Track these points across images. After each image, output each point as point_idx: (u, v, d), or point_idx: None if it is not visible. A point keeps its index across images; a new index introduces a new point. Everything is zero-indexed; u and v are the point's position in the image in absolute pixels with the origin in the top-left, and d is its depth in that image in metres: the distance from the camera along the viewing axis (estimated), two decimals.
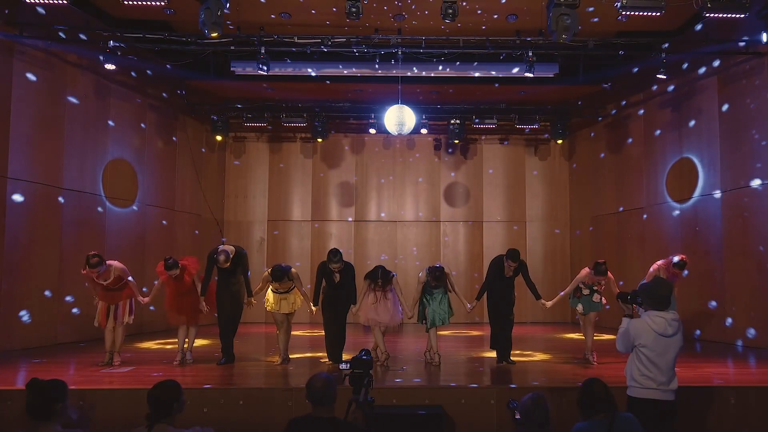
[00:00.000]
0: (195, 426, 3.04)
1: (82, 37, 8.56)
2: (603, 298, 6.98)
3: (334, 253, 6.57)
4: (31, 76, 8.04)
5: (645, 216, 10.42)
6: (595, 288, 6.93)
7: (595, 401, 3.18)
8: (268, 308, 6.83)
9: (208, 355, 7.52)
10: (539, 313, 12.49)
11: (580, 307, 6.94)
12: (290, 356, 7.12)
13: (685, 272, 7.25)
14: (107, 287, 6.53)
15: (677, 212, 9.64)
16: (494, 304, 7.06)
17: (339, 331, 6.84)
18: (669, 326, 3.72)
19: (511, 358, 7.00)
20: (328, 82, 10.75)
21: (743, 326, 8.25)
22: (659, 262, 7.28)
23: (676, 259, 7.11)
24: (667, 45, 8.65)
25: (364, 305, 6.84)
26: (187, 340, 6.93)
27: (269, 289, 6.84)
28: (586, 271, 6.92)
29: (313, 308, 6.80)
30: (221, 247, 6.83)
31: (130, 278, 6.67)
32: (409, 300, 7.13)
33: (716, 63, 8.91)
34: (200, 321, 6.98)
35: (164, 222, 10.70)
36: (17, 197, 7.76)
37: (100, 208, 9.23)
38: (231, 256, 6.68)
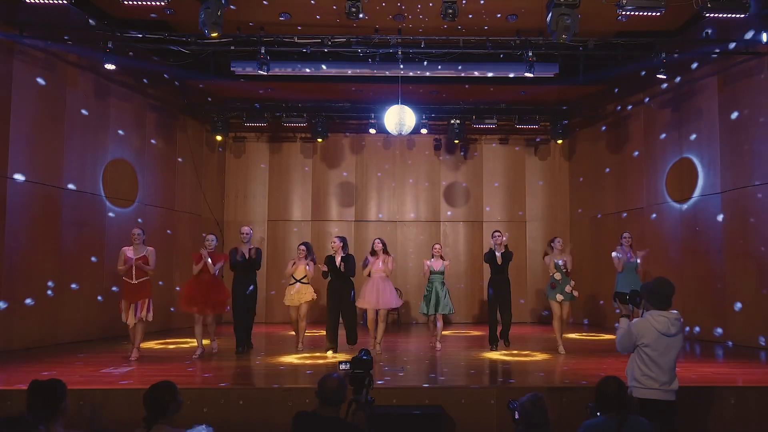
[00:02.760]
0: (197, 426, 3.04)
1: (82, 37, 8.55)
2: (575, 291, 7.68)
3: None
4: (31, 76, 8.04)
5: (645, 216, 10.42)
6: (564, 270, 7.65)
7: (606, 399, 3.19)
8: (285, 302, 7.90)
9: (209, 354, 7.55)
10: (539, 313, 12.61)
11: (559, 297, 7.60)
12: (292, 355, 7.17)
13: (630, 254, 7.97)
14: (131, 282, 7.02)
15: (677, 212, 9.65)
16: (490, 296, 8.04)
17: (342, 318, 7.67)
18: (672, 326, 3.72)
19: (509, 358, 7.03)
20: (328, 82, 10.74)
21: (742, 326, 8.24)
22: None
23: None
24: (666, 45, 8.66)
25: (363, 291, 7.66)
26: (205, 342, 7.53)
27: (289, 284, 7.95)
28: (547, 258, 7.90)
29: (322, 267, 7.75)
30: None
31: (150, 268, 7.14)
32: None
33: (716, 63, 8.91)
34: (208, 312, 7.37)
35: (164, 222, 10.70)
36: (17, 196, 7.76)
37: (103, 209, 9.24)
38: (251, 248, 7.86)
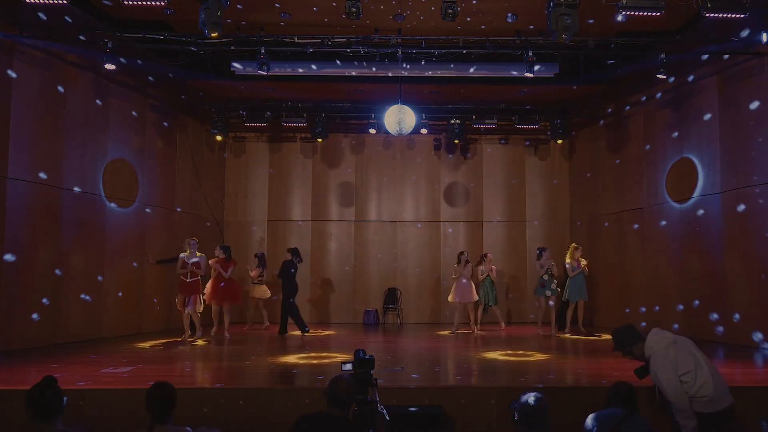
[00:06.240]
0: (201, 426, 3.05)
1: (82, 37, 8.55)
2: (558, 288, 10.03)
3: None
4: (31, 76, 8.03)
5: (645, 216, 10.42)
6: (551, 273, 9.93)
7: (618, 396, 3.44)
8: (252, 294, 10.88)
9: (206, 354, 7.54)
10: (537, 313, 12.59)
11: (548, 293, 9.95)
12: (288, 356, 7.22)
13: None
14: (186, 281, 8.94)
15: (677, 212, 9.65)
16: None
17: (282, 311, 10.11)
18: (666, 335, 3.95)
19: (509, 358, 7.07)
20: (328, 82, 10.73)
21: (743, 326, 8.24)
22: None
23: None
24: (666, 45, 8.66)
25: (453, 288, 10.34)
26: (228, 330, 9.40)
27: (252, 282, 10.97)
28: (538, 263, 10.14)
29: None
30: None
31: (201, 272, 9.04)
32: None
33: (716, 63, 8.91)
34: (225, 304, 9.40)
35: (164, 222, 10.70)
36: (17, 196, 7.76)
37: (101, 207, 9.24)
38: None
